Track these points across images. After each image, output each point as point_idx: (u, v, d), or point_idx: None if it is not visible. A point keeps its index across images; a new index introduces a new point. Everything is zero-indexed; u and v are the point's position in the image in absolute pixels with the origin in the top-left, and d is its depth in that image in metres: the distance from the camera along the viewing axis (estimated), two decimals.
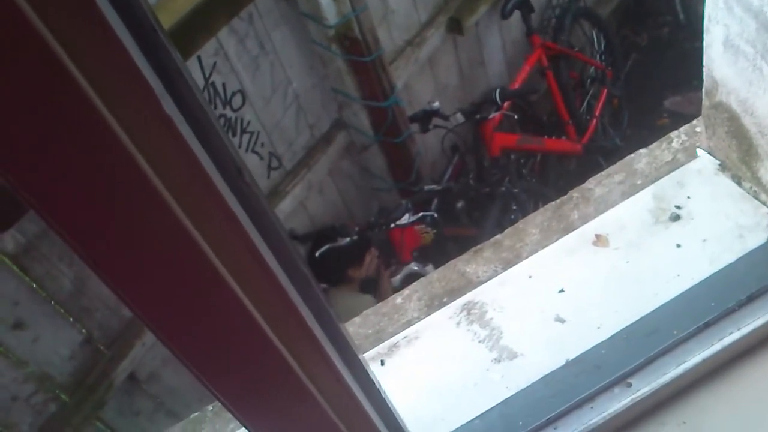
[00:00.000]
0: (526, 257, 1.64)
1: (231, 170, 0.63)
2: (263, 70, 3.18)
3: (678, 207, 1.62)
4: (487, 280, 1.62)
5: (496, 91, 3.72)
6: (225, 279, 0.64)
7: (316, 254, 3.46)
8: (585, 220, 1.67)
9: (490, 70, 4.47)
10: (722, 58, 1.50)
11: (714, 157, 1.67)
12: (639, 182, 1.70)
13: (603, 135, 4.80)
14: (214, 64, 2.97)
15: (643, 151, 1.78)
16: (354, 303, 3.47)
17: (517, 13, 4.27)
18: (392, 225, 3.45)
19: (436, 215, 3.57)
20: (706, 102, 1.63)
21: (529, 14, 4.29)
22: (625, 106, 5.10)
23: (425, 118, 3.70)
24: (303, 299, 0.74)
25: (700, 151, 1.70)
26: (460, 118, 3.68)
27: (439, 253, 3.85)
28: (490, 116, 3.71)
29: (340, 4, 3.08)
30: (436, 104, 3.70)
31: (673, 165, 1.71)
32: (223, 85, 3.05)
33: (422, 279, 1.68)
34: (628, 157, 1.78)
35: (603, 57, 5.01)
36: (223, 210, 0.61)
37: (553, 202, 1.74)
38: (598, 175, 1.76)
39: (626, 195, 1.69)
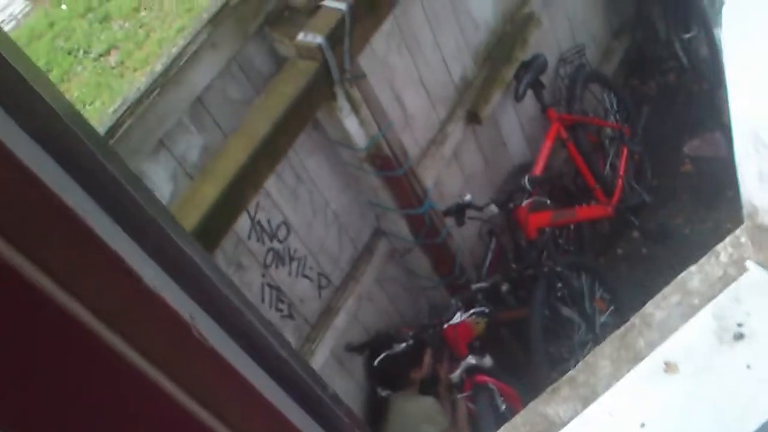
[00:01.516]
0: (603, 392, 1.72)
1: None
2: (302, 199, 3.32)
3: (739, 325, 1.69)
4: (569, 421, 1.69)
5: (526, 179, 3.84)
6: None
7: (375, 363, 3.56)
8: (651, 347, 1.75)
9: (512, 149, 4.60)
10: (758, 189, 1.59)
11: (765, 269, 1.75)
12: (696, 302, 1.79)
13: (630, 193, 4.88)
14: (257, 203, 3.11)
15: (693, 268, 1.86)
16: (416, 406, 3.55)
17: (529, 91, 4.40)
18: (445, 325, 3.55)
19: (486, 310, 3.66)
20: (748, 222, 1.72)
21: (541, 91, 4.42)
22: (647, 159, 5.19)
23: (459, 211, 3.81)
24: None
25: (749, 264, 1.78)
26: (493, 209, 3.80)
27: (493, 340, 3.93)
28: (523, 203, 3.82)
29: (367, 127, 3.22)
30: (468, 197, 3.82)
31: (726, 281, 1.79)
32: (268, 220, 3.19)
33: (506, 425, 1.76)
34: (679, 276, 1.87)
35: (617, 116, 5.12)
36: None
37: (618, 331, 1.83)
38: (655, 298, 1.85)
39: (686, 317, 1.77)
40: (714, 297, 1.77)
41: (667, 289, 1.85)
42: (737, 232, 1.91)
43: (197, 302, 0.56)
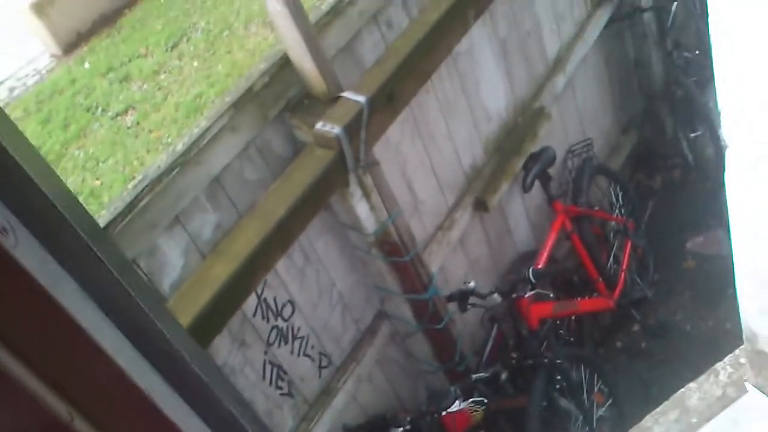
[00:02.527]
0: None
1: None
2: (309, 278, 3.37)
3: None
4: None
5: (530, 272, 3.89)
6: None
7: None
8: None
9: (517, 237, 4.66)
10: (758, 321, 1.64)
11: (763, 393, 1.78)
12: (694, 420, 1.81)
13: (632, 287, 4.93)
14: (265, 281, 3.15)
15: (692, 385, 1.90)
16: None
17: (536, 182, 4.49)
18: (443, 413, 3.54)
19: (486, 400, 3.66)
20: (748, 347, 1.76)
21: (548, 183, 4.51)
22: (650, 253, 5.25)
23: (462, 298, 3.84)
24: None
25: (748, 386, 1.82)
26: (497, 298, 3.83)
27: (490, 428, 3.92)
28: (526, 295, 3.86)
29: (377, 213, 3.29)
30: (472, 284, 3.86)
31: (725, 401, 1.82)
32: (274, 298, 3.22)
33: None
34: (679, 392, 1.90)
35: (622, 209, 5.20)
36: None
37: None
38: (654, 412, 1.88)
39: None
40: (712, 417, 1.80)
41: (666, 405, 1.88)
42: (737, 351, 1.95)
43: None
